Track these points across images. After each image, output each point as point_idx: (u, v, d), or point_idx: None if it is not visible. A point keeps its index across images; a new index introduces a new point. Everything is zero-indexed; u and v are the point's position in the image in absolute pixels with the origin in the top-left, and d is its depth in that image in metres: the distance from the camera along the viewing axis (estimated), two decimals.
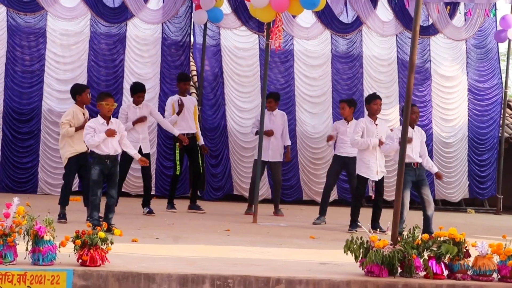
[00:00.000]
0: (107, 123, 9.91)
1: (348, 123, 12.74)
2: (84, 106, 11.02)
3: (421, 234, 7.66)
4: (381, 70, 17.50)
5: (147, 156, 12.28)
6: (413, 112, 11.13)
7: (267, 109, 13.57)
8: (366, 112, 12.53)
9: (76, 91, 11.12)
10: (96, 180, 9.86)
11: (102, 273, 6.73)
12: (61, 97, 15.13)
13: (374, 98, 11.90)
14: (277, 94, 14.25)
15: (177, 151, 13.01)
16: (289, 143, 13.95)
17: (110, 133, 9.78)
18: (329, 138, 12.89)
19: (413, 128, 11.11)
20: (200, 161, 13.13)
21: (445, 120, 17.88)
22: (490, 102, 18.25)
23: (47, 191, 14.97)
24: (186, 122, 13.05)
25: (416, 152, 11.06)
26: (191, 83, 16.79)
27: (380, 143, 11.60)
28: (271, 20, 12.28)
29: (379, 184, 11.82)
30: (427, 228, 10.71)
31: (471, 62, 18.18)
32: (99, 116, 10.01)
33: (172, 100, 13.22)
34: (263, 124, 12.73)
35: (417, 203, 12.25)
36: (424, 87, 17.71)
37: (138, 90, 12.58)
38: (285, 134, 13.85)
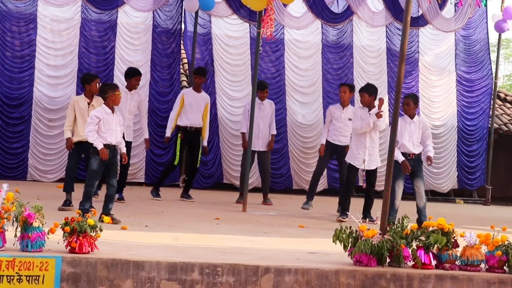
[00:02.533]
0: (112, 113, 9.88)
1: (343, 108, 12.73)
2: (94, 94, 11.10)
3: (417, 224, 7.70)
4: (370, 60, 17.51)
5: (129, 144, 12.35)
6: (406, 103, 11.23)
7: (258, 98, 13.57)
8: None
9: (86, 80, 11.25)
10: (95, 170, 9.75)
11: (91, 260, 6.73)
12: (52, 83, 15.08)
13: (360, 91, 12.01)
14: (264, 84, 14.26)
15: (179, 142, 13.01)
16: (274, 132, 13.96)
17: (104, 156, 9.73)
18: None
19: (412, 118, 11.17)
20: (199, 156, 13.13)
21: (433, 111, 17.90)
22: (479, 93, 18.28)
23: (36, 177, 14.92)
24: (189, 115, 13.04)
25: (413, 142, 11.09)
26: (182, 71, 16.77)
27: (378, 115, 11.60)
28: (262, 8, 12.24)
29: (371, 174, 11.83)
30: (419, 219, 10.79)
31: (459, 53, 18.20)
32: (104, 105, 9.93)
33: (182, 93, 13.37)
34: (253, 113, 12.72)
35: (407, 194, 12.30)
36: (412, 78, 17.72)
37: (136, 73, 12.53)
38: (272, 123, 13.87)
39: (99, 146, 9.67)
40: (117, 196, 12.21)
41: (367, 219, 11.36)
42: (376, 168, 11.92)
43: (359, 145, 11.67)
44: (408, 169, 10.97)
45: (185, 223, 10.12)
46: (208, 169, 16.15)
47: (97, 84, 11.10)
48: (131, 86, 12.38)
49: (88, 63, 15.40)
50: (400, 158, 10.94)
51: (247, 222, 10.81)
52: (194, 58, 15.93)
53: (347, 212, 11.29)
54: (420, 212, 11.03)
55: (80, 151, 10.94)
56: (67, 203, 10.68)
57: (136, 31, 15.88)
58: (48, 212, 7.23)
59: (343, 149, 12.48)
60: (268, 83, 14.45)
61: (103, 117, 9.75)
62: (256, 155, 13.85)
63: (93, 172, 9.78)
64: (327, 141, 12.79)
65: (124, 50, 15.70)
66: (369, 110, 11.71)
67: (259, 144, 13.62)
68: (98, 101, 10.93)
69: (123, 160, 10.13)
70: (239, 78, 16.49)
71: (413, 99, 11.43)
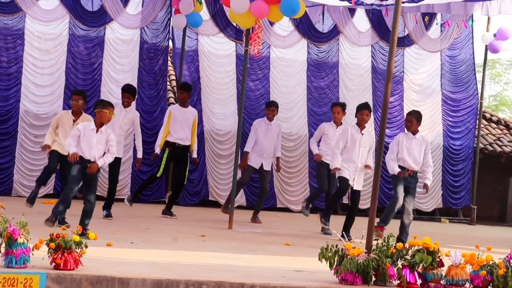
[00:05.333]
0: (97, 130, 9.85)
1: (337, 127, 12.77)
2: (83, 112, 11.17)
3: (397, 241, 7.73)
4: (356, 79, 17.58)
5: (119, 160, 12.34)
6: (408, 120, 11.31)
7: (266, 118, 13.55)
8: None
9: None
10: (75, 175, 9.78)
11: (76, 277, 6.70)
12: (39, 100, 15.05)
13: (361, 108, 11.99)
14: (277, 103, 14.19)
15: (166, 155, 12.99)
16: (279, 154, 13.90)
17: (72, 159, 9.75)
18: (317, 157, 12.87)
19: (414, 134, 11.21)
20: (186, 173, 13.11)
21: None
22: (465, 113, 18.37)
23: (22, 193, 14.84)
24: (176, 131, 12.97)
25: (414, 158, 11.11)
26: (169, 87, 16.77)
27: (336, 169, 11.67)
28: (250, 26, 12.30)
29: (356, 195, 11.87)
30: (400, 235, 10.83)
31: (445, 73, 18.30)
32: (92, 121, 9.98)
33: (169, 110, 13.29)
34: (240, 130, 12.73)
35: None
36: (396, 97, 17.78)
37: (124, 90, 12.54)
38: (278, 145, 13.76)
39: (71, 150, 9.70)
40: (105, 212, 12.23)
41: (346, 238, 11.37)
42: (359, 191, 11.97)
43: (350, 163, 11.70)
44: (405, 174, 11.01)
45: (170, 239, 10.10)
46: (194, 186, 16.13)
47: (73, 101, 11.08)
48: (123, 103, 12.38)
49: (75, 80, 15.37)
50: (396, 170, 11.00)
51: (233, 239, 10.80)
52: (182, 75, 15.95)
53: (328, 222, 11.38)
54: (404, 229, 11.05)
55: (59, 159, 11.01)
56: (34, 196, 11.05)
57: (124, 48, 15.88)
58: (33, 228, 7.20)
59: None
60: (277, 103, 14.34)
61: (84, 131, 9.78)
62: (257, 172, 13.75)
63: (74, 177, 9.81)
64: (321, 161, 12.76)
65: (111, 67, 15.69)
66: (362, 129, 11.77)
67: (262, 163, 13.55)
68: (84, 120, 10.91)
69: (89, 168, 9.87)
70: (225, 96, 16.51)
71: (416, 116, 11.47)
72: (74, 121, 11.03)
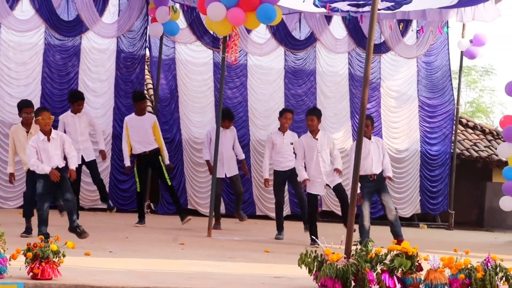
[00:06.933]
0: (48, 138, 9.86)
1: (284, 134, 12.79)
2: (33, 122, 10.86)
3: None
4: (333, 86, 17.64)
5: (93, 162, 12.49)
6: (365, 125, 11.30)
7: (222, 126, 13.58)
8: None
9: (17, 108, 11.15)
10: (41, 193, 9.83)
11: (54, 286, 6.66)
12: (14, 111, 14.76)
13: (306, 115, 12.06)
14: (232, 114, 14.19)
15: (135, 169, 12.93)
16: (243, 157, 13.95)
17: (54, 177, 9.76)
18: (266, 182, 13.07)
19: (369, 139, 11.27)
20: (166, 175, 13.05)
21: (395, 136, 18.04)
22: (441, 119, 18.46)
23: None
24: (138, 141, 12.90)
25: (374, 163, 11.17)
26: (147, 96, 16.73)
27: (306, 181, 11.73)
28: (227, 34, 12.31)
29: (339, 190, 11.85)
30: (394, 231, 10.90)
31: (421, 79, 18.40)
32: (39, 132, 9.96)
33: (125, 121, 13.23)
34: (218, 140, 12.70)
35: (374, 219, 12.38)
36: (373, 104, 17.85)
37: (78, 98, 12.62)
38: (237, 148, 13.84)
39: (47, 170, 9.77)
40: (106, 205, 12.51)
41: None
42: (340, 183, 11.95)
43: (316, 173, 11.72)
44: (360, 202, 11.02)
45: (149, 248, 10.07)
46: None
47: (26, 114, 10.85)
48: (74, 110, 12.43)
49: (51, 90, 15.30)
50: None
51: (212, 247, 10.78)
52: (159, 83, 15.92)
53: (317, 240, 11.34)
54: (392, 224, 11.16)
55: (34, 178, 10.82)
56: (28, 231, 10.62)
57: (100, 58, 15.81)
58: (10, 239, 7.16)
59: (293, 171, 12.33)
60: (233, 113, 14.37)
61: (38, 145, 9.82)
62: (227, 181, 13.85)
63: (40, 195, 9.88)
64: (275, 171, 12.78)
65: (87, 77, 15.62)
66: (315, 135, 11.78)
67: (225, 170, 13.59)
68: (35, 128, 10.80)
69: (70, 176, 10.03)
70: (203, 104, 16.51)
71: (371, 120, 11.62)
72: (27, 132, 10.89)
